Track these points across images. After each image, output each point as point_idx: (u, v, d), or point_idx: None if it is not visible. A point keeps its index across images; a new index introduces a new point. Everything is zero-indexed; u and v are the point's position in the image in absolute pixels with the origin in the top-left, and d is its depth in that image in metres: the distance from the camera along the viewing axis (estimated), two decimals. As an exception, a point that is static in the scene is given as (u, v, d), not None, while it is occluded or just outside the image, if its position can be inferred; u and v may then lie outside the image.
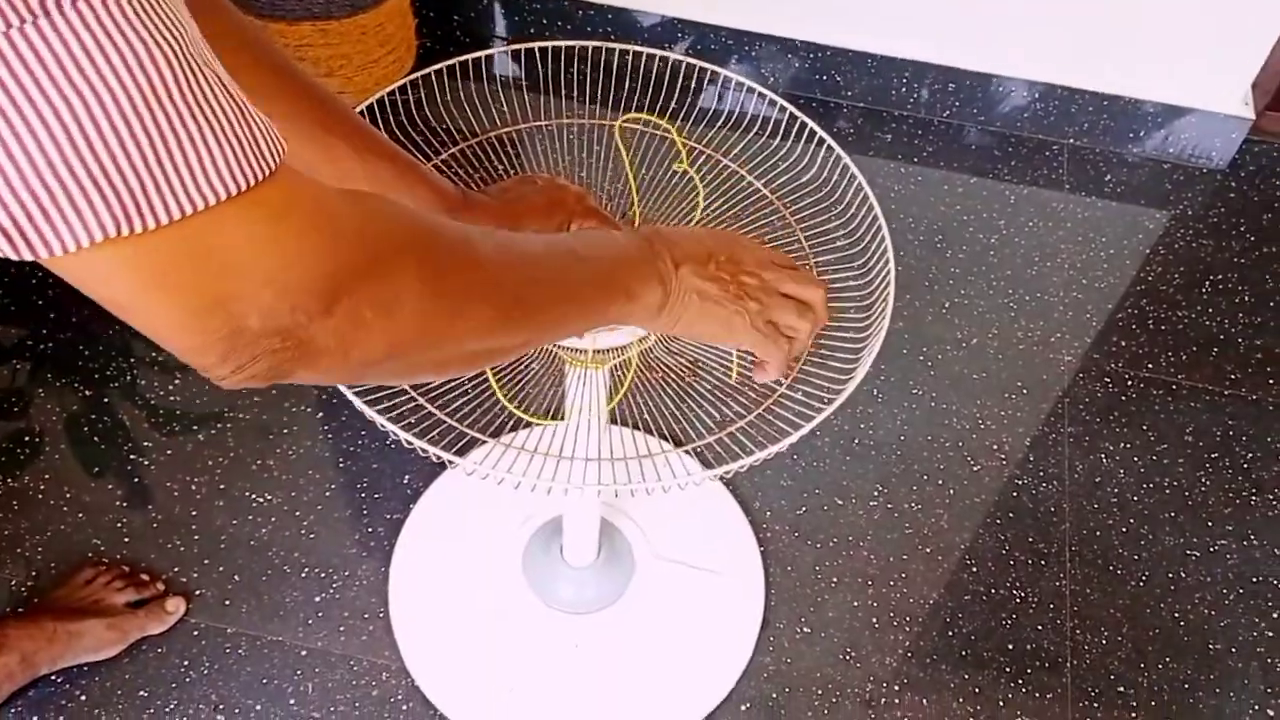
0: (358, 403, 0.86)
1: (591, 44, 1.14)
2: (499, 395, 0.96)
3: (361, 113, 1.00)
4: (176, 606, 1.40)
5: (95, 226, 0.36)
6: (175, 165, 0.37)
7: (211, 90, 0.39)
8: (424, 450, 0.85)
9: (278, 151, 0.42)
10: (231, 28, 0.71)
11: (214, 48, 0.71)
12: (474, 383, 0.95)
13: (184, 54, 0.38)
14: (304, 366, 0.45)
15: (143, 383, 1.63)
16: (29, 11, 0.33)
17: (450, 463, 0.85)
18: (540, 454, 0.91)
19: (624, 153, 1.08)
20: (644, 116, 1.09)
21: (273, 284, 0.42)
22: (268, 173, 0.41)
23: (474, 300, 0.54)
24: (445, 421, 0.94)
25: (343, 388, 0.88)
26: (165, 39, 0.37)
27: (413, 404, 0.93)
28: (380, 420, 0.86)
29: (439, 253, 0.52)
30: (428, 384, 0.96)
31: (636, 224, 1.04)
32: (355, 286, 0.45)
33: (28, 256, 0.36)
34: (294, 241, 0.42)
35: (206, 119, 0.38)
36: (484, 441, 0.93)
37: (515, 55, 2.07)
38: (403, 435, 0.85)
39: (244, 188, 0.40)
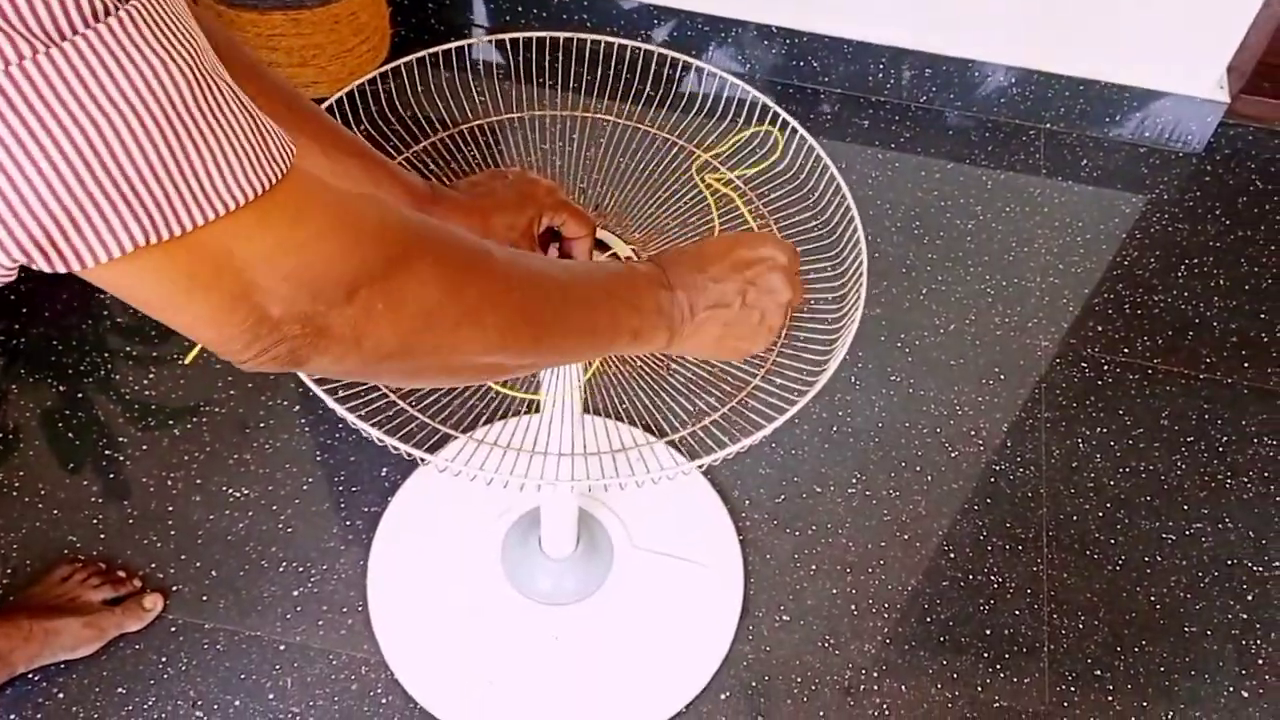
0: (329, 400, 0.86)
1: (563, 34, 1.13)
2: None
3: (337, 102, 1.00)
4: (154, 603, 1.39)
5: (126, 238, 0.38)
6: (196, 175, 0.38)
7: (225, 100, 0.40)
8: (395, 448, 0.85)
9: (288, 155, 0.43)
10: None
11: None
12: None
13: (198, 66, 0.39)
14: (320, 353, 0.47)
15: (117, 377, 1.62)
16: (47, 38, 0.34)
17: (422, 460, 0.85)
18: (514, 449, 0.90)
19: (709, 198, 1.07)
20: (721, 176, 1.09)
21: (292, 279, 0.44)
22: (280, 176, 0.42)
23: (485, 307, 0.56)
24: (418, 418, 0.93)
25: (310, 383, 0.87)
26: (180, 53, 0.38)
27: (385, 399, 0.93)
28: (350, 418, 0.85)
29: (455, 256, 0.54)
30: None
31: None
32: (371, 280, 0.47)
33: (61, 269, 0.38)
34: (313, 241, 0.44)
35: (223, 128, 0.40)
36: (457, 437, 0.93)
37: (494, 44, 2.06)
38: (374, 433, 0.85)
39: (260, 192, 0.41)
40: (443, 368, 0.57)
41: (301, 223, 0.44)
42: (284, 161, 0.43)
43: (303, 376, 0.87)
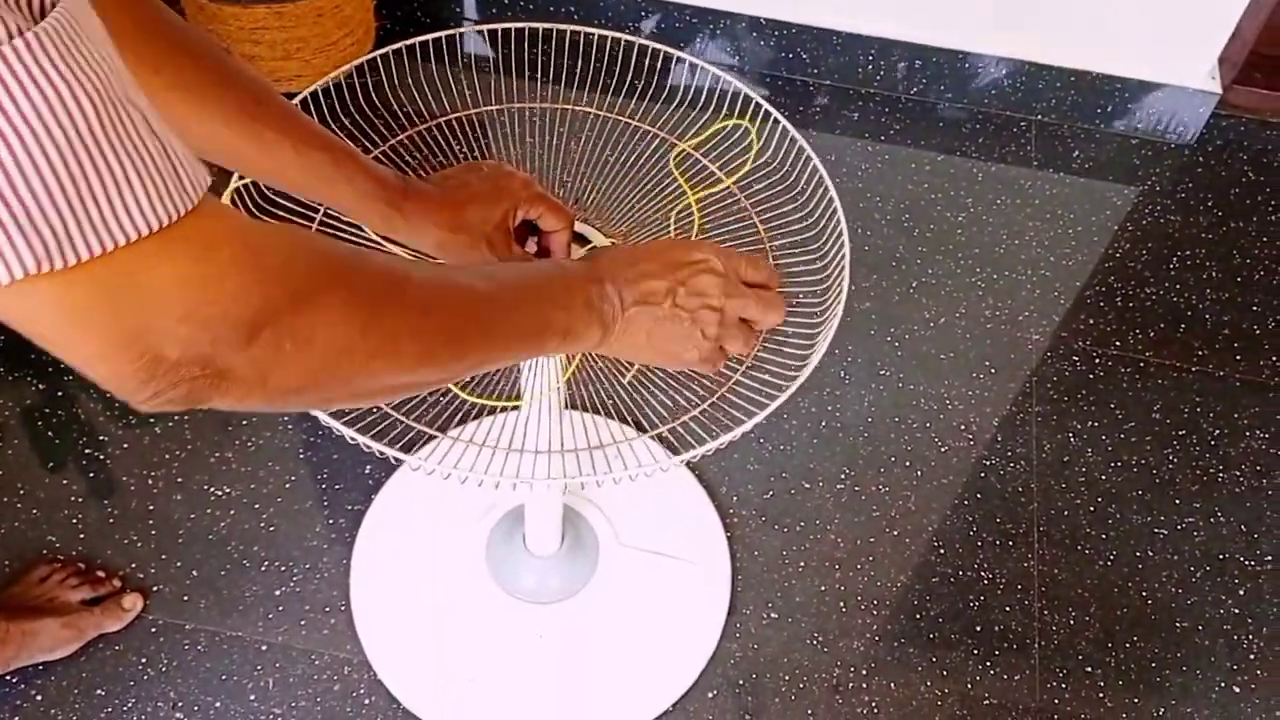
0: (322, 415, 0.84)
1: (543, 25, 1.12)
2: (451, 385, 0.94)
3: (314, 95, 0.98)
4: (133, 603, 1.37)
5: (16, 265, 0.36)
6: (97, 203, 0.37)
7: (134, 126, 0.39)
8: (368, 448, 0.83)
9: (199, 185, 0.42)
10: (160, 24, 0.69)
11: (141, 44, 0.69)
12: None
13: (107, 93, 0.38)
14: (221, 394, 0.46)
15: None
16: None
17: (397, 460, 0.83)
18: (490, 447, 0.89)
19: (680, 179, 1.05)
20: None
21: (191, 318, 0.42)
22: (189, 207, 0.41)
23: (400, 338, 0.54)
24: (395, 417, 0.92)
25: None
26: (89, 76, 0.37)
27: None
28: (327, 419, 0.83)
29: (365, 289, 0.52)
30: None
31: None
32: (277, 319, 0.46)
33: None
34: (216, 277, 0.43)
35: (129, 155, 0.38)
36: (437, 436, 0.91)
37: (479, 36, 2.04)
38: (347, 432, 0.83)
39: (165, 223, 0.40)
40: (358, 394, 0.55)
41: (205, 258, 0.42)
42: (194, 191, 0.41)
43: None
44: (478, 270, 0.68)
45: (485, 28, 1.08)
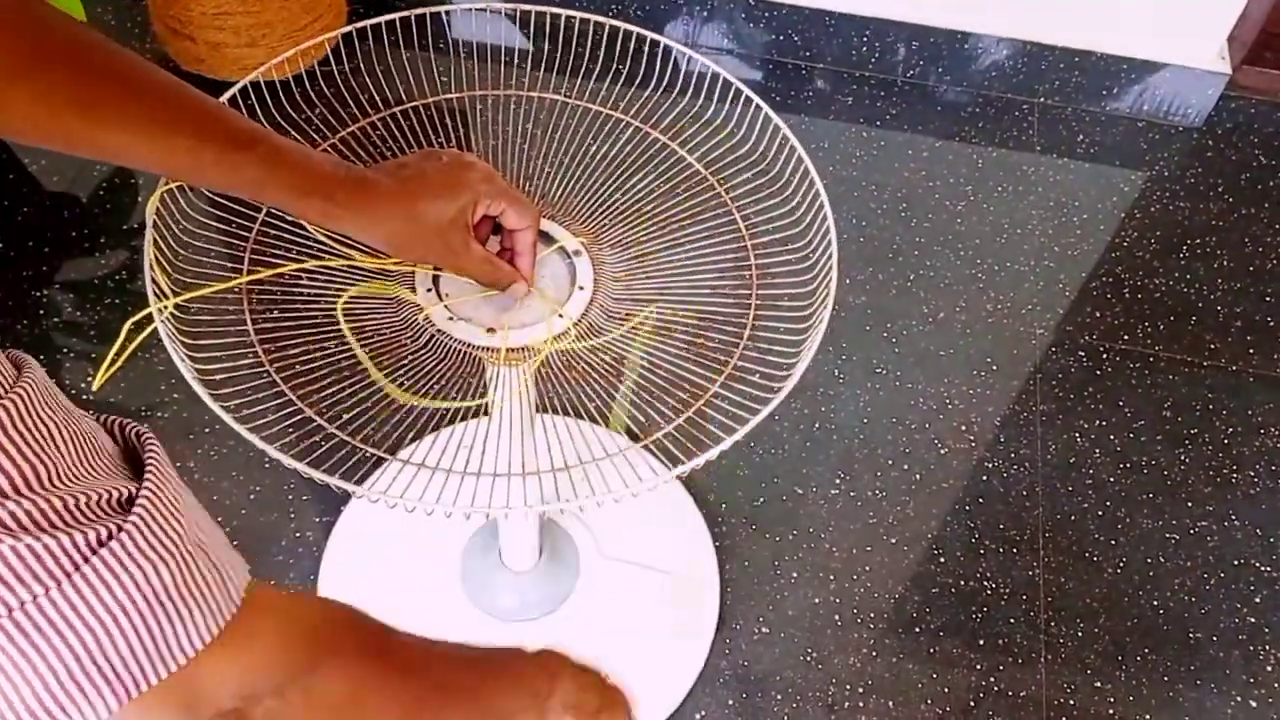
0: (243, 430, 0.76)
1: (521, 7, 1.03)
2: (393, 390, 0.86)
3: (283, 82, 0.90)
4: None
5: (103, 710, 0.39)
6: (168, 643, 0.41)
7: (200, 570, 0.42)
8: (323, 481, 0.76)
9: (241, 586, 0.44)
10: (49, 35, 0.61)
11: (34, 67, 0.62)
12: (380, 396, 0.85)
13: (181, 551, 0.41)
14: None
15: (55, 380, 1.52)
16: (52, 577, 0.37)
17: (353, 493, 0.75)
18: (458, 473, 0.81)
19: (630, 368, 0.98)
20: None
21: (229, 686, 0.44)
22: (234, 611, 0.43)
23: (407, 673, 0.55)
24: (350, 443, 0.84)
25: (228, 418, 0.78)
26: (169, 548, 0.40)
27: (310, 421, 0.84)
28: (274, 452, 0.76)
29: (379, 662, 0.53)
30: (328, 399, 0.86)
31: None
32: (297, 677, 0.47)
33: None
34: (259, 653, 0.45)
35: (195, 598, 0.41)
36: (392, 461, 0.84)
37: (455, 17, 1.95)
38: (299, 466, 0.75)
39: (216, 634, 0.42)
40: None
41: (249, 643, 0.45)
42: (237, 597, 0.44)
43: (210, 403, 0.78)
44: (465, 657, 0.64)
45: (464, 6, 1.00)
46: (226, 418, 0.78)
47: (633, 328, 0.88)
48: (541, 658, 0.67)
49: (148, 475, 0.42)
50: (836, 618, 1.39)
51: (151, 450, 0.44)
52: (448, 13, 1.11)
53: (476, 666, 0.64)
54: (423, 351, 0.86)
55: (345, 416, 0.85)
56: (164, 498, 0.42)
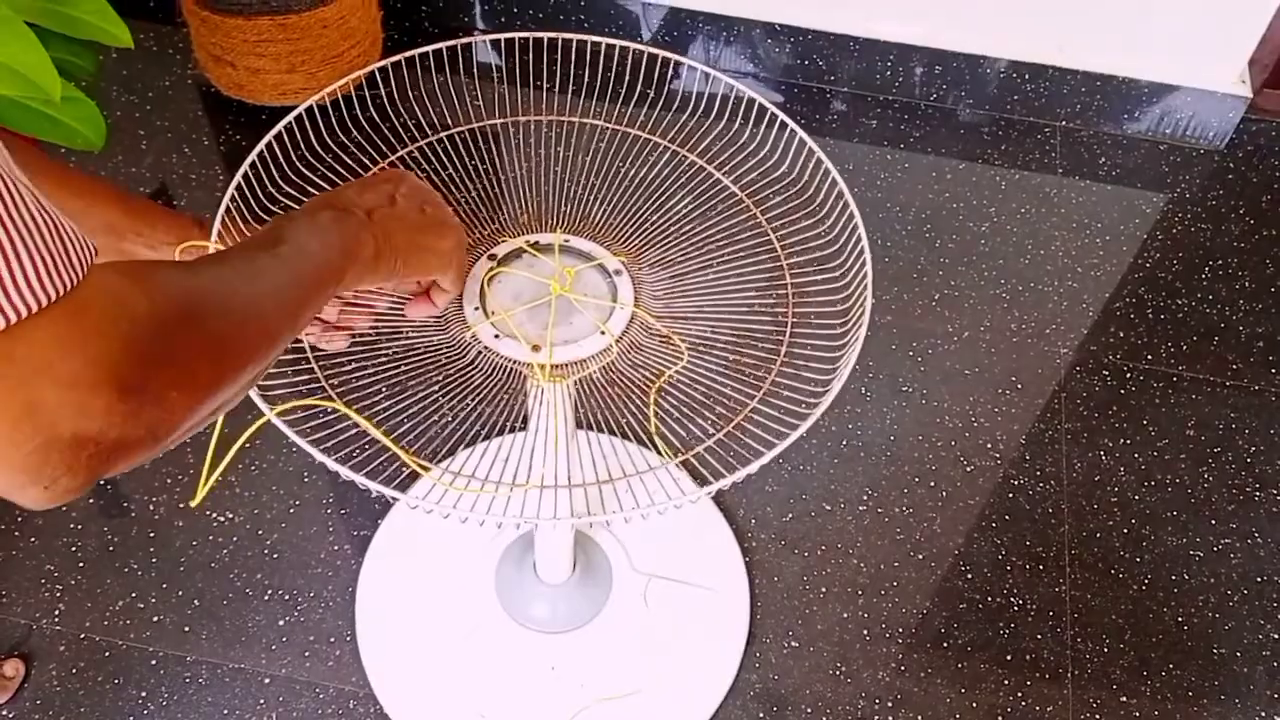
0: (300, 441, 0.79)
1: (548, 35, 1.07)
2: (399, 452, 0.89)
3: (321, 108, 0.93)
4: (15, 670, 1.31)
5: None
6: (24, 258, 0.38)
7: (25, 203, 0.39)
8: (365, 488, 0.79)
9: (88, 259, 0.42)
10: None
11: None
12: (429, 403, 0.89)
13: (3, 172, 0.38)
14: (118, 463, 0.44)
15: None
16: None
17: (394, 500, 0.78)
18: (495, 482, 0.84)
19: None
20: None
21: (78, 385, 0.40)
22: (77, 280, 0.41)
23: (248, 346, 0.54)
24: (394, 451, 0.87)
25: (278, 421, 0.81)
26: None
27: (359, 430, 0.86)
28: (321, 456, 0.79)
29: (218, 313, 0.52)
30: (378, 411, 0.89)
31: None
32: (156, 372, 0.44)
33: None
34: (94, 339, 0.41)
35: (19, 233, 0.38)
36: (433, 471, 0.86)
37: (488, 46, 2.00)
38: (344, 471, 0.78)
39: (54, 298, 0.39)
40: (223, 406, 0.54)
41: (82, 319, 0.41)
42: (82, 267, 0.41)
43: (264, 409, 0.81)
44: (264, 252, 0.66)
45: (492, 37, 1.04)
46: (297, 438, 0.81)
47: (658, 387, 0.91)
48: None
49: None
50: (865, 633, 1.41)
51: None
52: (495, 41, 1.15)
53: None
54: (470, 368, 0.89)
55: (383, 428, 0.88)
56: None
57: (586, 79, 1.10)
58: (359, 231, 0.70)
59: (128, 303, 0.44)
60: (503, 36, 1.07)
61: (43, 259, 0.39)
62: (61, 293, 0.40)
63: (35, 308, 0.39)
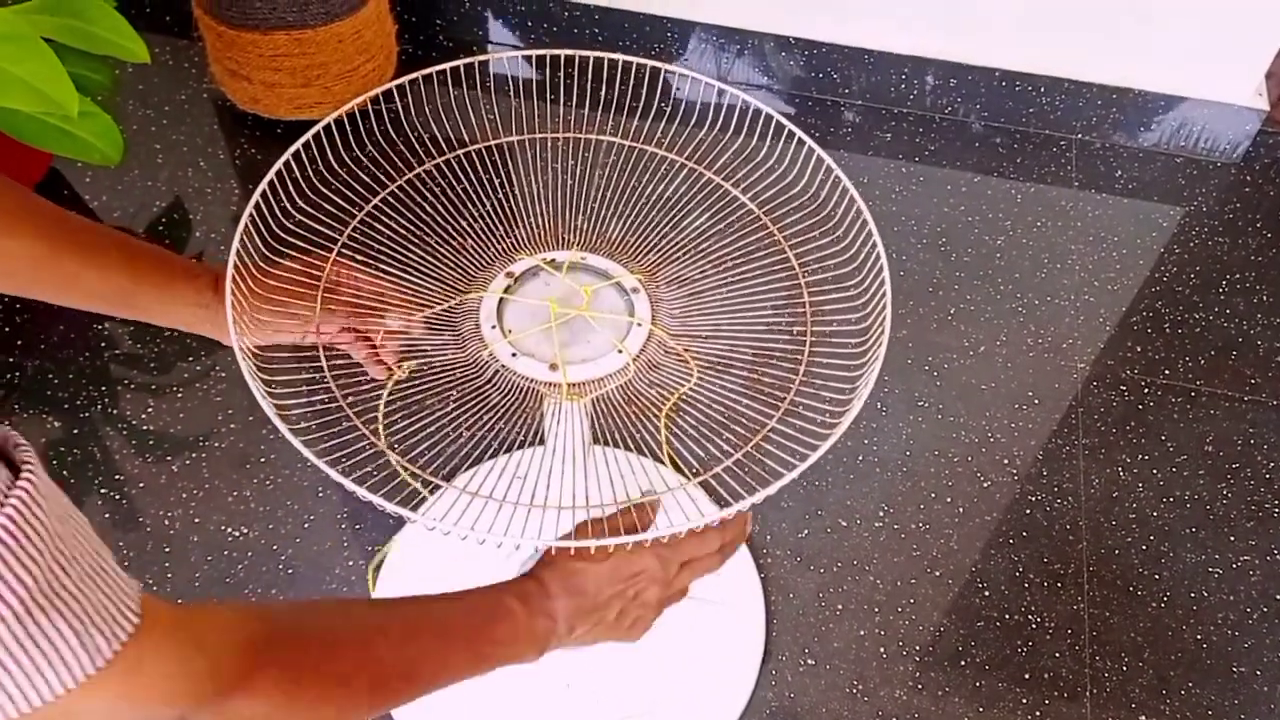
0: (304, 449, 0.79)
1: (564, 52, 1.07)
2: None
3: (338, 123, 0.93)
4: None
5: None
6: (49, 663, 0.39)
7: (49, 619, 0.40)
8: (381, 507, 0.78)
9: (133, 615, 0.43)
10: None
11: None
12: (446, 420, 0.88)
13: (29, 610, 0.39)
14: None
15: (114, 412, 1.57)
16: None
17: (409, 519, 0.78)
18: (513, 504, 0.84)
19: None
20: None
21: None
22: (123, 640, 0.42)
23: (334, 691, 0.57)
24: (404, 477, 0.87)
25: (290, 437, 0.81)
26: (33, 564, 0.39)
27: (373, 446, 0.86)
28: (334, 473, 0.79)
29: (300, 660, 0.55)
30: (394, 431, 0.89)
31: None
32: (220, 704, 0.47)
33: None
34: (144, 691, 0.44)
35: (68, 612, 0.40)
36: (448, 488, 0.86)
37: (504, 62, 2.00)
38: (359, 490, 0.78)
39: (102, 666, 0.41)
40: None
41: (130, 679, 0.43)
42: (128, 622, 0.43)
43: (279, 424, 0.81)
44: (423, 606, 0.72)
45: (508, 55, 1.04)
46: (312, 456, 0.80)
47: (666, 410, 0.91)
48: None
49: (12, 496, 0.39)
50: (881, 650, 1.40)
51: (26, 462, 0.41)
52: (527, 57, 1.15)
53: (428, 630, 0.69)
54: (487, 386, 0.89)
55: (399, 447, 0.88)
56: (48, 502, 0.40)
57: (604, 94, 1.09)
58: (534, 651, 0.79)
59: (189, 650, 0.47)
60: (520, 54, 1.08)
61: (98, 628, 0.41)
62: (109, 657, 0.42)
63: (83, 677, 0.41)
